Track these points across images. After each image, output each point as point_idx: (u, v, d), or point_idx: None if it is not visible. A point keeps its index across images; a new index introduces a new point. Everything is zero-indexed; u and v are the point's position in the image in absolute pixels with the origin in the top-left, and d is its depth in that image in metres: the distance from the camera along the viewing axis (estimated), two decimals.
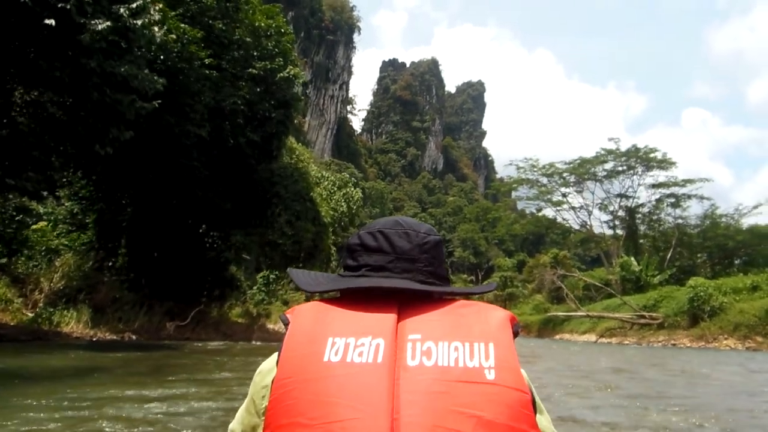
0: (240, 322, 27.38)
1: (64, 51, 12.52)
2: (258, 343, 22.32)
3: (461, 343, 1.03)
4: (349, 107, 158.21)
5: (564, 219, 56.99)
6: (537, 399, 1.10)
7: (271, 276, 30.63)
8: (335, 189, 31.83)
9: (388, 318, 1.08)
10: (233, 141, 22.68)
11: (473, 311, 1.11)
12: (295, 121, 25.26)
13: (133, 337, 19.06)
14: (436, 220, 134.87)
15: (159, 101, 15.53)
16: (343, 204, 31.25)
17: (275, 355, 1.12)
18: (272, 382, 1.05)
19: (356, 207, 32.62)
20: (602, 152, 50.05)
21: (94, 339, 17.84)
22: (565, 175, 52.18)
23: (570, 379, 12.85)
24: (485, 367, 1.00)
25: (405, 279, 1.16)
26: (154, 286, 23.46)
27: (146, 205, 23.78)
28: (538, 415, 1.07)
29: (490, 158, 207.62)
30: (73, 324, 18.14)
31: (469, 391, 0.97)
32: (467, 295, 1.26)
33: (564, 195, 53.83)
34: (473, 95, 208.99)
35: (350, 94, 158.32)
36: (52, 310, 18.88)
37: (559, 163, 51.99)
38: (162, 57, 18.79)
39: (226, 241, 23.73)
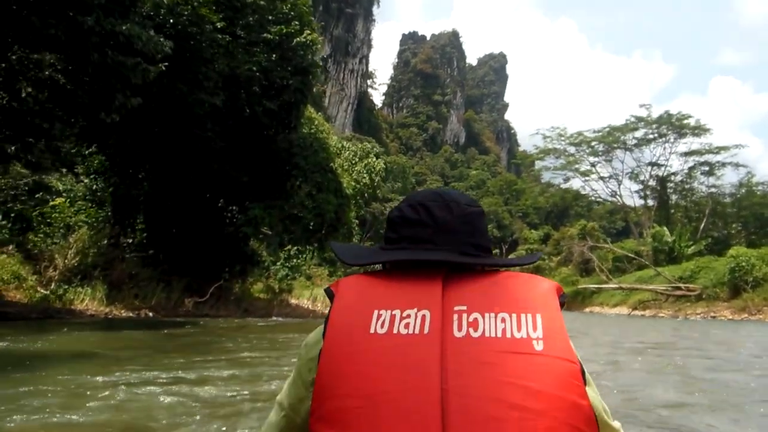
0: (261, 297, 26.56)
1: (59, 6, 11.54)
2: (279, 319, 21.42)
3: (508, 314, 1.02)
4: (369, 81, 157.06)
5: (593, 189, 55.34)
6: (585, 371, 1.05)
7: (293, 251, 29.60)
8: (357, 160, 30.64)
9: (433, 289, 1.07)
10: (249, 110, 21.68)
11: (519, 282, 1.10)
12: (314, 89, 24.03)
13: (150, 314, 18.35)
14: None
15: (166, 63, 14.55)
16: (365, 175, 29.97)
17: (321, 327, 1.11)
18: (319, 354, 1.05)
19: (378, 178, 31.36)
20: (632, 120, 48.21)
21: (110, 316, 17.16)
22: (593, 143, 50.40)
23: (640, 354, 11.68)
24: (533, 338, 0.99)
25: (447, 251, 1.14)
26: (172, 261, 22.75)
27: (162, 178, 22.96)
28: (586, 386, 1.02)
29: (512, 131, 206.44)
30: (88, 301, 17.45)
31: (518, 362, 0.96)
32: (510, 267, 1.25)
33: (593, 164, 52.12)
34: (495, 67, 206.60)
35: (370, 68, 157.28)
36: (66, 287, 18.26)
37: (587, 131, 50.16)
38: (171, 21, 17.81)
39: (244, 215, 22.81)
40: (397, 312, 1.02)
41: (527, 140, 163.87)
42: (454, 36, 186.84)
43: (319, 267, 58.40)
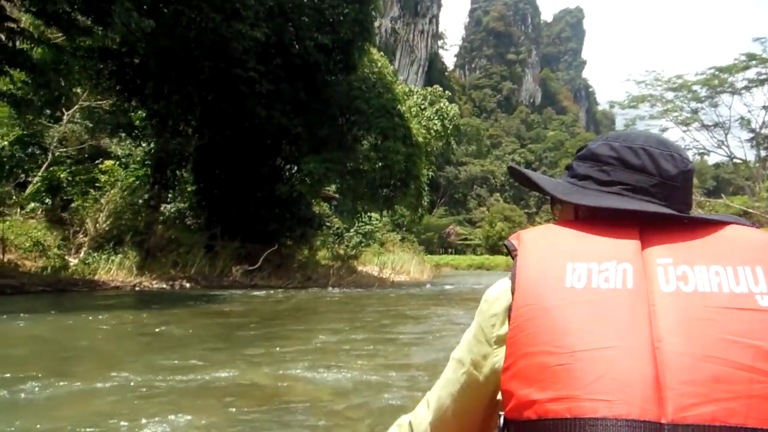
0: (324, 264, 23.55)
1: None
2: (335, 291, 18.12)
3: (722, 267, 0.91)
4: (440, 42, 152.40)
5: (694, 140, 49.40)
6: None
7: (366, 217, 25.91)
8: (426, 105, 26.81)
9: (631, 241, 0.98)
10: (298, 46, 18.47)
11: (729, 233, 0.99)
12: (376, 23, 20.51)
13: (187, 284, 15.68)
14: (536, 155, 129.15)
15: None
16: (436, 122, 26.01)
17: (502, 282, 1.05)
18: (505, 310, 0.99)
19: (452, 126, 27.35)
20: (742, 58, 42.05)
21: (138, 288, 14.54)
22: (695, 88, 44.57)
23: None
24: (756, 292, 0.87)
25: (664, 206, 1.05)
26: (222, 225, 20.14)
27: (210, 132, 20.13)
28: None
29: (591, 89, 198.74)
30: (115, 270, 14.90)
31: (741, 318, 0.85)
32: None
33: (694, 111, 46.27)
34: (571, 23, 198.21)
35: (441, 29, 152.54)
36: (95, 255, 15.83)
37: (687, 74, 44.32)
38: None
39: (299, 171, 19.80)
40: (593, 265, 0.93)
41: (611, 93, 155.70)
42: None
43: (391, 233, 55.72)
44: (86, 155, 22.20)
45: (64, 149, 22.32)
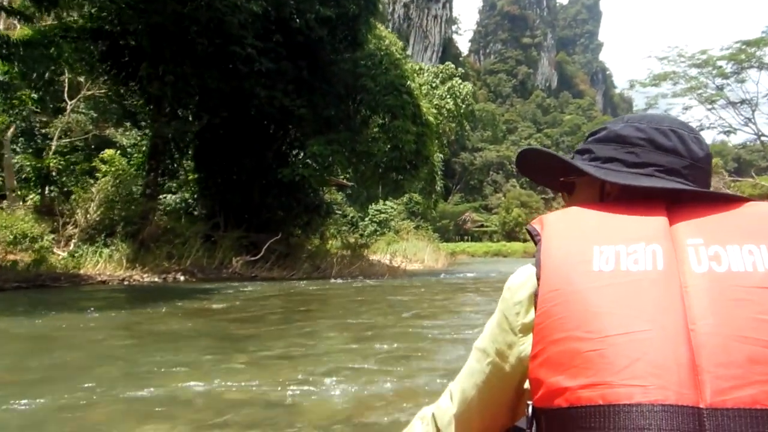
0: (336, 253, 22.30)
1: None
2: (339, 281, 16.97)
3: (755, 245, 0.88)
4: (453, 27, 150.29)
5: (720, 117, 47.47)
6: None
7: (380, 204, 24.16)
8: (437, 83, 25.24)
9: (659, 221, 0.96)
10: (299, 20, 17.22)
11: (760, 210, 0.96)
12: (389, 8, 19.19)
13: (181, 277, 14.59)
14: (552, 140, 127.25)
15: None
16: (448, 100, 24.40)
17: (524, 268, 1.03)
18: (530, 297, 0.97)
19: (466, 106, 25.76)
20: None
21: (127, 282, 13.49)
22: (720, 63, 42.65)
23: None
24: None
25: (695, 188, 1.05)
26: (223, 213, 19.09)
27: (210, 115, 18.98)
28: None
29: (608, 72, 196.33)
30: (103, 263, 13.86)
31: None
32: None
33: (720, 88, 44.37)
34: (587, 4, 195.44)
35: (454, 13, 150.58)
36: (84, 247, 14.83)
37: (711, 50, 42.35)
38: None
39: (304, 155, 18.61)
40: (621, 247, 0.91)
41: (630, 75, 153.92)
42: None
43: (405, 221, 54.60)
44: (92, 146, 21.52)
45: (68, 140, 21.70)
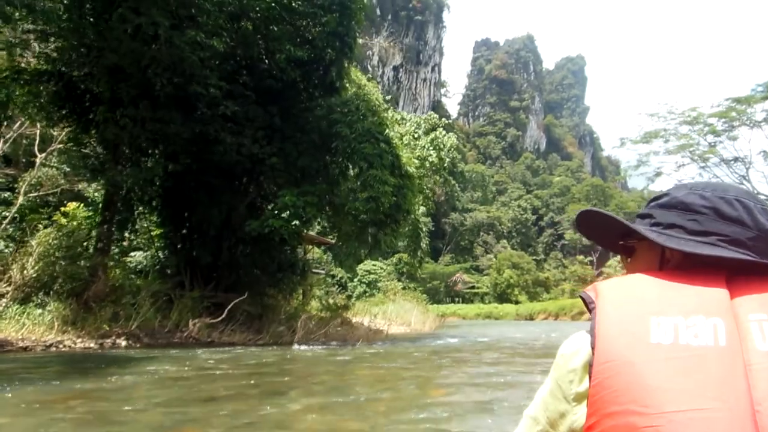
0: (300, 316, 20.32)
1: None
2: (301, 348, 14.64)
3: None
4: (442, 90, 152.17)
5: (714, 176, 46.61)
6: None
7: (349, 251, 22.28)
8: (420, 134, 23.85)
9: (720, 294, 0.93)
10: (269, 61, 15.94)
11: None
12: (360, 40, 18.07)
13: (122, 342, 12.70)
14: (542, 201, 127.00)
15: None
16: (431, 152, 22.86)
17: (578, 335, 1.01)
18: (585, 365, 0.95)
19: (450, 158, 24.33)
20: (760, 89, 39.66)
21: (54, 348, 11.57)
22: (711, 120, 41.99)
23: None
24: None
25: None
26: (188, 270, 17.39)
27: (166, 161, 17.47)
28: None
29: (595, 135, 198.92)
30: (30, 326, 12.04)
31: None
32: None
33: (712, 145, 43.62)
34: (573, 70, 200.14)
35: (443, 77, 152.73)
36: (15, 308, 13.03)
37: (701, 107, 41.78)
38: None
39: (275, 206, 17.04)
40: (679, 319, 0.89)
41: (615, 140, 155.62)
42: (529, 40, 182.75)
43: (397, 281, 52.93)
44: (64, 201, 20.20)
45: (36, 194, 20.59)
